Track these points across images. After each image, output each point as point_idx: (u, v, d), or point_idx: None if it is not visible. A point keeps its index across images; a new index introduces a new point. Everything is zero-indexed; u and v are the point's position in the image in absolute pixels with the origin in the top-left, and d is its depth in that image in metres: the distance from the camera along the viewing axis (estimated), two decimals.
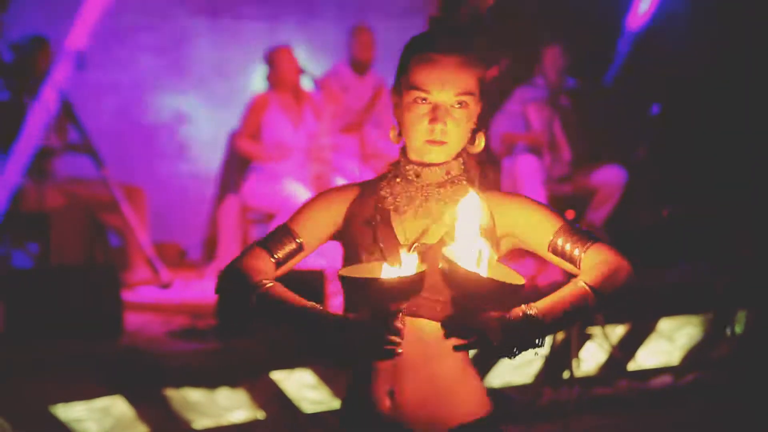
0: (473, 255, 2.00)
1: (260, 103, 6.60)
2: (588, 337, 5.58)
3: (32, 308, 4.97)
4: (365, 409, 2.20)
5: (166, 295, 6.15)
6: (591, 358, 5.61)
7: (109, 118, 7.44)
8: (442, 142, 2.18)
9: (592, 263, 2.15)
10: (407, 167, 2.24)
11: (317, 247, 2.28)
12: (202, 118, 7.87)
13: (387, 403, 2.18)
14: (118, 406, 4.51)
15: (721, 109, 7.25)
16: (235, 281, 2.17)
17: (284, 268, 2.24)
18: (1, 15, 6.06)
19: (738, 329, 6.01)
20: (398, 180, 2.24)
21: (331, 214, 2.26)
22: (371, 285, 2.00)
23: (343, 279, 2.03)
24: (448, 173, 2.24)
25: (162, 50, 7.76)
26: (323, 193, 2.31)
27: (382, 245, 2.18)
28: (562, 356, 5.34)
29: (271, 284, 2.14)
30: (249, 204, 6.58)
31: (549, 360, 5.35)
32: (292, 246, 2.23)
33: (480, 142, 2.25)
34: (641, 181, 7.36)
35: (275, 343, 4.89)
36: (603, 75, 7.75)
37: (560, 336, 5.34)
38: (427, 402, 2.16)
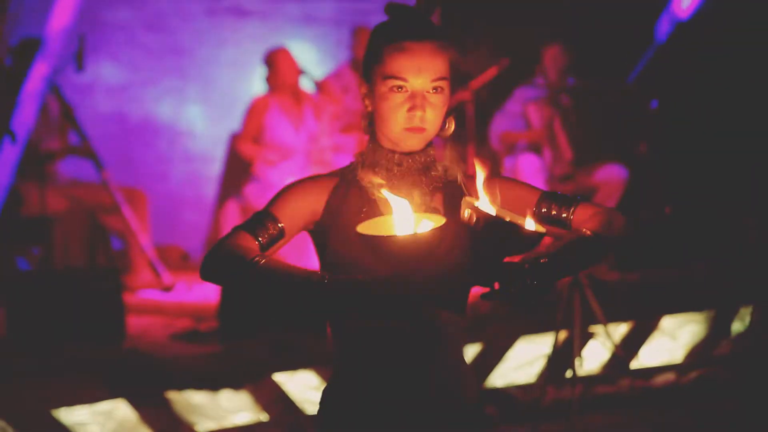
0: (490, 206, 2.02)
1: (260, 105, 6.61)
2: (591, 335, 5.57)
3: (35, 312, 4.98)
4: (353, 406, 2.20)
5: (168, 297, 6.16)
6: (594, 356, 5.61)
7: (110, 121, 7.45)
8: (421, 129, 2.19)
9: (586, 216, 2.19)
10: (387, 156, 2.23)
11: (294, 237, 2.25)
12: (203, 121, 7.87)
13: (381, 396, 2.18)
14: (120, 409, 4.50)
15: (722, 102, 7.24)
16: (227, 261, 2.11)
17: (268, 254, 2.18)
18: (2, 22, 6.06)
19: (741, 326, 6.00)
20: (377, 169, 2.23)
21: (310, 203, 2.23)
22: (398, 241, 1.96)
23: (363, 236, 2.00)
24: (426, 160, 2.25)
25: (163, 52, 7.77)
26: (300, 182, 2.27)
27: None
28: (565, 355, 5.34)
29: (265, 259, 2.09)
30: (250, 206, 6.59)
31: (552, 359, 5.35)
32: (275, 231, 2.19)
33: (450, 126, 2.27)
34: (643, 179, 7.36)
35: (278, 345, 4.90)
36: (625, 74, 7.74)
37: (563, 335, 5.34)
38: (422, 396, 2.17)
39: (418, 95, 2.18)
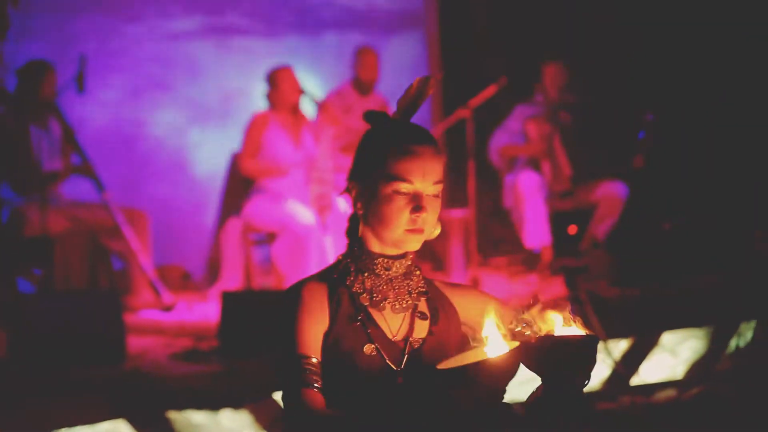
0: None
1: (260, 120, 6.63)
2: None
3: (36, 333, 4.98)
4: None
5: (168, 317, 6.17)
6: (594, 373, 5.60)
7: (112, 142, 7.46)
8: (421, 230, 2.21)
9: None
10: (376, 261, 2.24)
11: None
12: (204, 140, 7.89)
13: None
14: (121, 429, 4.50)
15: (721, 112, 7.24)
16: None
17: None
18: (2, 43, 6.10)
19: (743, 342, 6.00)
20: (366, 274, 2.24)
21: (321, 322, 2.21)
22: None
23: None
24: (409, 264, 2.27)
25: (165, 73, 7.79)
26: (303, 304, 2.22)
27: (376, 344, 2.18)
28: None
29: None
30: (251, 224, 6.60)
31: None
32: (316, 366, 2.16)
33: (438, 229, 2.27)
34: (642, 194, 7.37)
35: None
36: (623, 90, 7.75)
37: None
38: None
39: (420, 197, 2.19)
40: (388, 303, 2.22)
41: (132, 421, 4.53)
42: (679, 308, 6.11)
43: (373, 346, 2.17)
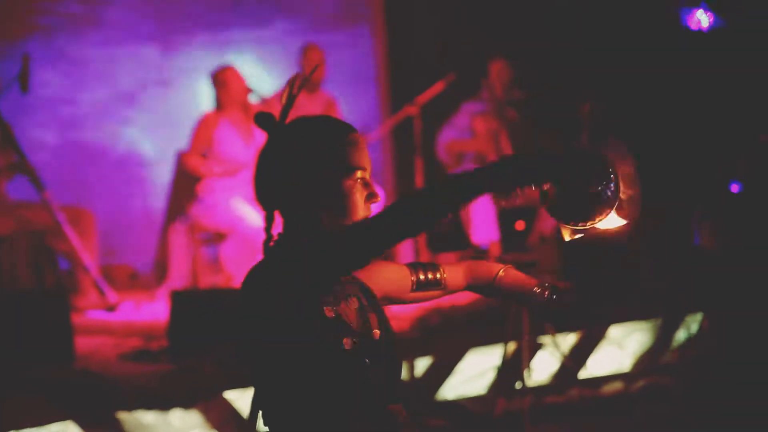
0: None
1: (210, 120, 6.60)
2: (539, 346, 5.62)
3: None
4: None
5: (117, 317, 6.13)
6: (543, 367, 5.66)
7: (56, 139, 7.40)
8: None
9: (458, 270, 2.44)
10: None
11: None
12: (151, 140, 7.85)
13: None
14: (70, 431, 4.47)
15: (665, 97, 7.30)
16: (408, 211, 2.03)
17: None
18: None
19: (688, 334, 6.08)
20: None
21: None
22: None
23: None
24: None
25: (109, 71, 7.73)
26: None
27: (353, 338, 2.16)
28: (515, 366, 5.38)
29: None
30: (198, 224, 6.57)
31: (501, 371, 5.39)
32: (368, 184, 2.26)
33: None
34: None
35: (229, 363, 4.89)
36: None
37: (512, 347, 5.38)
38: None
39: (371, 185, 2.24)
40: (342, 301, 2.19)
41: (81, 422, 4.50)
42: (625, 301, 6.18)
43: (351, 340, 2.14)
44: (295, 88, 2.27)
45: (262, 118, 2.24)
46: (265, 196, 2.24)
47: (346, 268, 2.13)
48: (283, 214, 2.24)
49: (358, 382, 2.14)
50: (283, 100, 2.27)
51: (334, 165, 2.20)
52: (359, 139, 2.23)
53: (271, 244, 2.21)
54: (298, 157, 2.21)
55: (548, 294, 2.34)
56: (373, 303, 2.26)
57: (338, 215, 2.20)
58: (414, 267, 2.40)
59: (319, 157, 2.20)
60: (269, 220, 2.23)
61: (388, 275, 2.37)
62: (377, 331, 2.20)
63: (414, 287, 2.39)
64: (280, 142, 2.23)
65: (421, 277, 2.39)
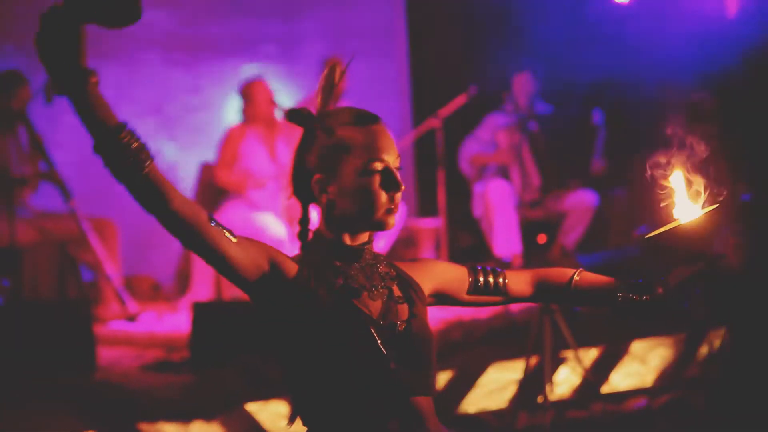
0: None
1: (236, 133, 6.62)
2: (561, 361, 5.60)
3: (4, 344, 4.95)
4: None
5: (139, 328, 6.14)
6: (565, 381, 5.63)
7: (82, 150, 7.42)
8: (398, 208, 2.22)
9: (520, 277, 2.38)
10: (349, 251, 2.21)
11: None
12: (174, 152, 7.87)
13: None
14: None
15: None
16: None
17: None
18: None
19: (711, 349, 6.04)
20: (340, 265, 2.20)
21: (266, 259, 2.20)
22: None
23: None
24: (374, 250, 2.27)
25: (133, 83, 7.76)
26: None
27: (371, 327, 2.16)
28: (537, 381, 5.36)
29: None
30: None
31: (523, 385, 5.36)
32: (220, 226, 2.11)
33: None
34: (612, 201, 7.40)
35: (250, 375, 4.89)
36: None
37: (534, 361, 5.36)
38: None
39: (393, 173, 2.20)
40: (365, 291, 2.19)
41: None
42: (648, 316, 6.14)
43: (367, 328, 2.14)
44: (336, 76, 2.25)
45: (295, 114, 2.24)
46: (298, 190, 2.26)
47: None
48: (317, 207, 2.25)
49: (376, 371, 2.12)
50: (322, 92, 2.25)
51: (345, 155, 2.19)
52: (377, 129, 2.19)
53: (309, 238, 2.25)
54: (319, 149, 2.22)
55: (632, 292, 2.32)
56: (411, 296, 2.24)
57: (350, 208, 2.19)
58: (473, 269, 2.36)
59: (336, 149, 2.20)
60: (304, 214, 2.25)
61: (441, 272, 2.34)
62: (401, 323, 2.19)
63: (471, 290, 2.35)
64: (308, 135, 2.25)
65: (480, 280, 2.35)
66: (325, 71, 2.27)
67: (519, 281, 2.38)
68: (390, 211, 2.19)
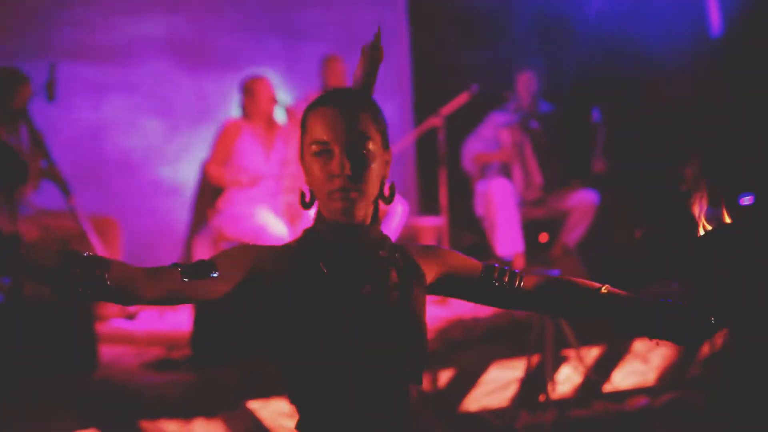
0: None
1: (232, 129, 6.59)
2: (563, 359, 5.59)
3: (5, 343, 4.95)
4: None
5: (140, 326, 6.14)
6: (566, 380, 5.63)
7: (84, 149, 7.43)
8: (348, 192, 2.18)
9: (534, 282, 2.30)
10: (335, 232, 2.19)
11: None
12: (176, 147, 7.86)
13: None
14: None
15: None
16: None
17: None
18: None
19: (712, 348, 6.04)
20: (329, 246, 2.20)
21: (229, 276, 2.18)
22: None
23: None
24: (375, 234, 2.26)
25: (137, 82, 7.76)
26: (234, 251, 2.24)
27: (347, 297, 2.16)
28: (538, 379, 5.36)
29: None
30: (221, 234, 6.58)
31: (525, 383, 5.36)
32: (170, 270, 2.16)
33: (392, 194, 2.29)
34: (613, 200, 7.39)
35: (251, 373, 4.89)
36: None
37: (536, 359, 5.36)
38: None
39: (334, 153, 2.18)
40: (357, 272, 2.18)
41: (103, 431, 4.51)
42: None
43: (342, 297, 2.14)
44: (373, 61, 2.23)
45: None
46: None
47: None
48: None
49: (348, 352, 2.11)
50: (360, 76, 2.23)
51: (304, 139, 2.20)
52: (325, 111, 2.15)
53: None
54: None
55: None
56: (408, 282, 2.21)
57: (314, 192, 2.20)
58: (488, 268, 2.28)
59: (301, 133, 2.22)
60: (303, 197, 2.23)
61: (451, 258, 2.29)
62: (387, 309, 2.16)
63: (481, 286, 2.28)
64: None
65: (494, 279, 2.27)
66: (368, 47, 2.23)
67: (531, 284, 2.30)
68: (334, 196, 2.14)
